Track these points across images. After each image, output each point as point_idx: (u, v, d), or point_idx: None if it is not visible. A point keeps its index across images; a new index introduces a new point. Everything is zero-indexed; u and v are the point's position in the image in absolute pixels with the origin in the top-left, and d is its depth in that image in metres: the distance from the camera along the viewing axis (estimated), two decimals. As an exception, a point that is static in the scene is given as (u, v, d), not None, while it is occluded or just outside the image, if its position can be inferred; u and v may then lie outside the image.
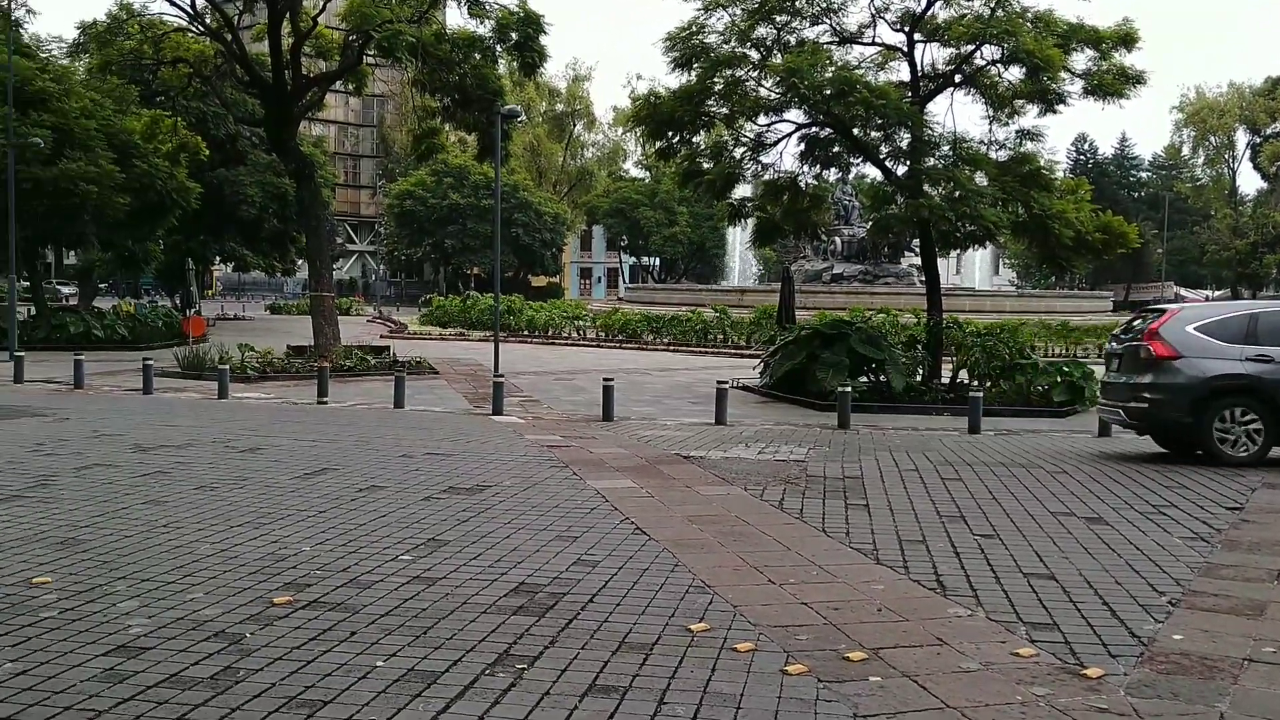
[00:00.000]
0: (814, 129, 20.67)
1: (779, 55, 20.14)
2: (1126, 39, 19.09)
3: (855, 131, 19.95)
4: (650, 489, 10.01)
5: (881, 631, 5.77)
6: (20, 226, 26.46)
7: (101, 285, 57.07)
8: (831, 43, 20.72)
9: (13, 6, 29.19)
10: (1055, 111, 19.60)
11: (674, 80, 22.10)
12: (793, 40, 20.42)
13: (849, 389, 16.22)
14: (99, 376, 20.59)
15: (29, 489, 9.24)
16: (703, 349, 34.71)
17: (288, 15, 24.63)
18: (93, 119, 28.77)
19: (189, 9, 25.24)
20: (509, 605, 6.14)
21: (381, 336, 37.76)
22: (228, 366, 19.20)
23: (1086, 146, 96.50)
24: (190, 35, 26.04)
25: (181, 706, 4.58)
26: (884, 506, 9.33)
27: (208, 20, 26.07)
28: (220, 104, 32.87)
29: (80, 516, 8.20)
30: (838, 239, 53.05)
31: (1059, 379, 18.83)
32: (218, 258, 55.99)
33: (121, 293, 63.88)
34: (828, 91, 18.57)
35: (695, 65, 20.45)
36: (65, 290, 57.79)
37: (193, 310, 32.26)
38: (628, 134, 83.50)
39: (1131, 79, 19.13)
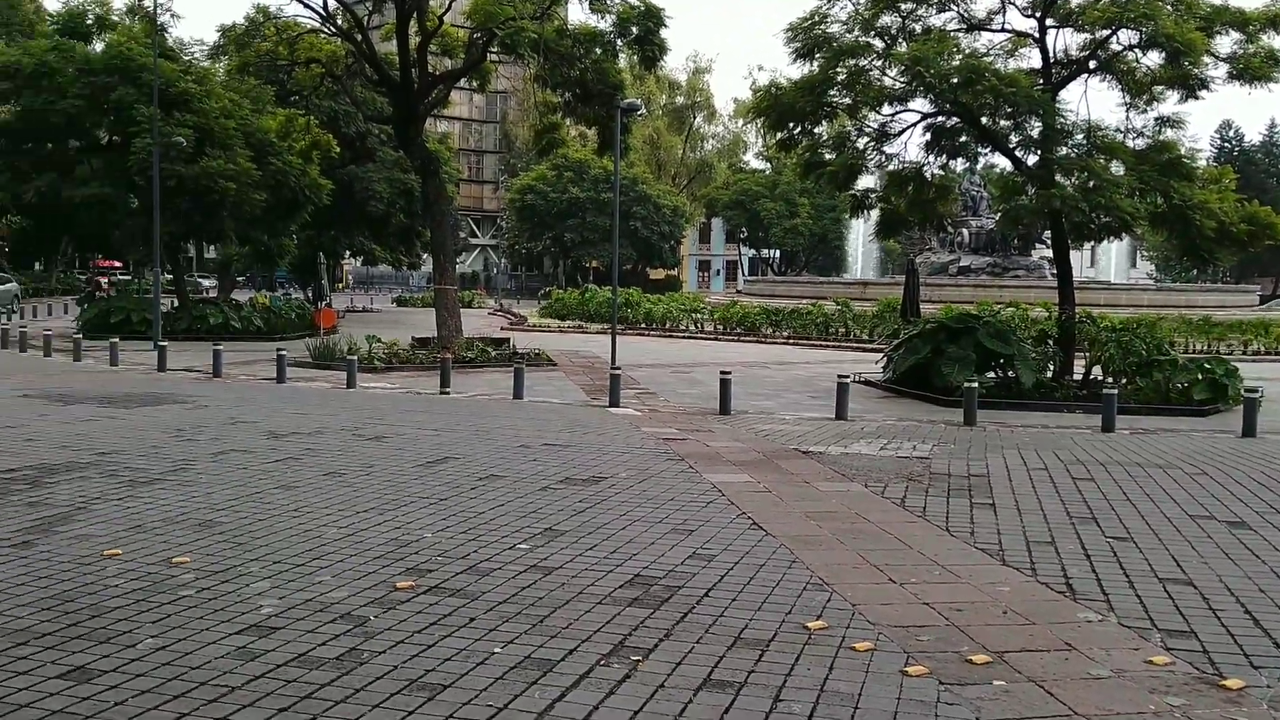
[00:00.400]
0: (940, 118, 20.18)
1: (904, 44, 19.72)
2: (1276, 21, 18.11)
3: (984, 120, 19.41)
4: (768, 484, 9.93)
5: (1006, 634, 5.60)
6: (164, 222, 27.65)
7: (239, 278, 59.26)
8: (959, 30, 20.20)
9: (158, 12, 30.46)
10: (1197, 97, 18.69)
11: (795, 71, 21.83)
12: (918, 28, 19.98)
13: (975, 384, 15.80)
14: (235, 366, 21.41)
15: (170, 473, 9.66)
16: (823, 342, 34.27)
17: (415, 15, 25.16)
18: (231, 118, 29.89)
19: (321, 10, 26.01)
20: (624, 596, 6.15)
21: (502, 329, 38.35)
22: (355, 357, 19.75)
23: (1232, 134, 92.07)
24: (322, 36, 26.82)
25: (308, 685, 4.72)
26: (1011, 506, 9.06)
27: (339, 21, 26.81)
28: (351, 102, 33.80)
29: (217, 499, 8.53)
30: (965, 230, 51.75)
31: (1200, 376, 18.01)
32: (347, 252, 57.63)
33: (258, 286, 66.28)
34: (955, 80, 18.10)
35: (817, 55, 20.16)
36: (206, 283, 60.17)
37: (324, 303, 33.32)
38: (748, 125, 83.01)
39: (1281, 61, 18.15)
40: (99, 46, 32.70)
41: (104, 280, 52.87)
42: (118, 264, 58.81)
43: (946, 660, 5.19)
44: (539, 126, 29.14)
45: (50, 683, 4.68)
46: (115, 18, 34.43)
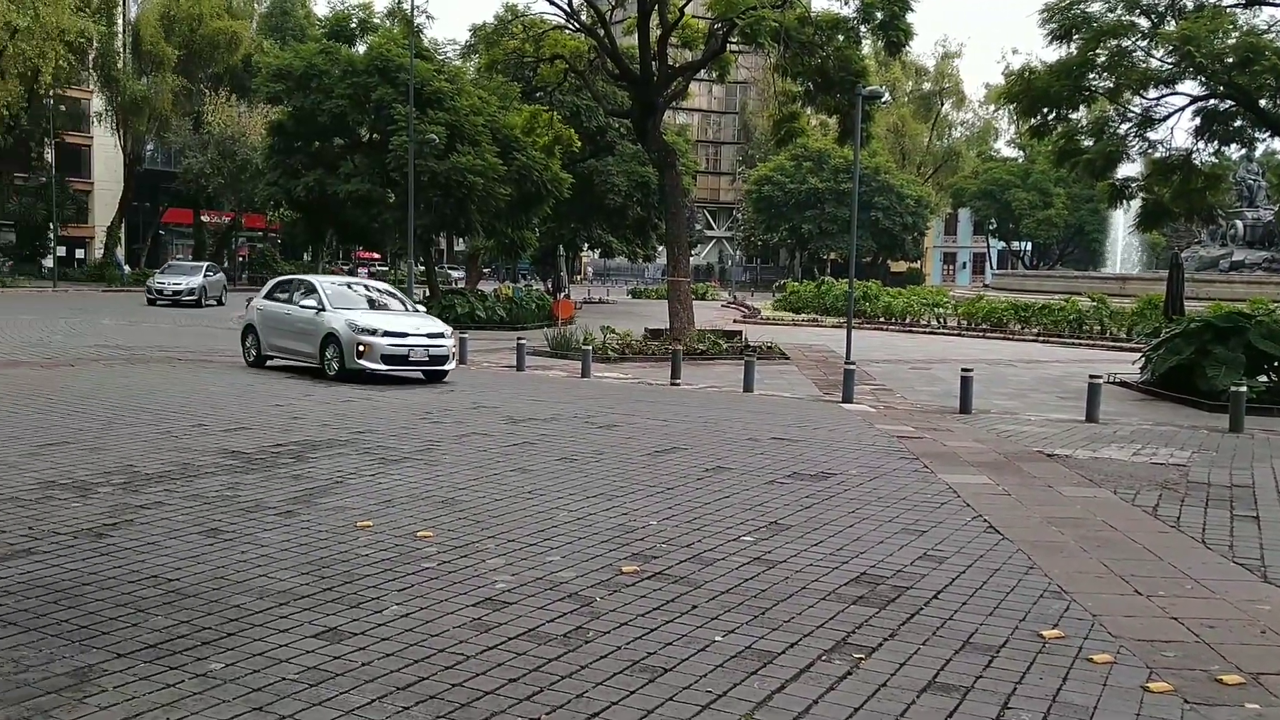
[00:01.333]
0: (1212, 101, 18.75)
1: (1172, 21, 18.42)
2: None
3: (1262, 103, 17.89)
4: (1007, 486, 9.52)
5: (1264, 655, 5.15)
6: (418, 215, 29.28)
7: (485, 270, 62.02)
8: (1235, 5, 18.68)
9: (414, 14, 32.23)
10: None
11: (1051, 54, 20.84)
12: (1189, 4, 18.61)
13: (1244, 388, 14.58)
14: (479, 354, 22.41)
15: (417, 452, 10.22)
16: (1076, 340, 32.51)
17: (656, 8, 25.54)
18: (480, 115, 31.29)
19: (566, 6, 26.81)
20: (849, 594, 6.05)
21: (734, 321, 38.45)
22: (590, 347, 20.28)
23: None
24: (566, 32, 27.64)
25: (537, 659, 4.89)
26: (1278, 520, 8.32)
27: (583, 17, 27.57)
28: (592, 97, 34.69)
29: (459, 479, 8.96)
30: (1239, 223, 47.78)
31: None
32: (586, 244, 59.27)
33: (501, 277, 69.20)
34: (1229, 60, 16.78)
35: (1075, 36, 19.14)
36: (455, 274, 63.27)
37: (562, 294, 34.40)
38: (999, 112, 79.87)
39: None
40: (361, 48, 34.93)
41: (364, 271, 56.47)
42: (376, 255, 62.66)
43: (1194, 679, 4.82)
44: (778, 116, 28.99)
45: (306, 640, 5.05)
46: (376, 20, 36.67)
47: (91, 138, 64.90)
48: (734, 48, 27.50)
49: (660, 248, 54.08)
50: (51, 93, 50.41)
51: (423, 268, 36.83)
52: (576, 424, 12.52)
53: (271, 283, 19.52)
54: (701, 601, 5.81)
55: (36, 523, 7.04)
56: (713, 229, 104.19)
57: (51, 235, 54.91)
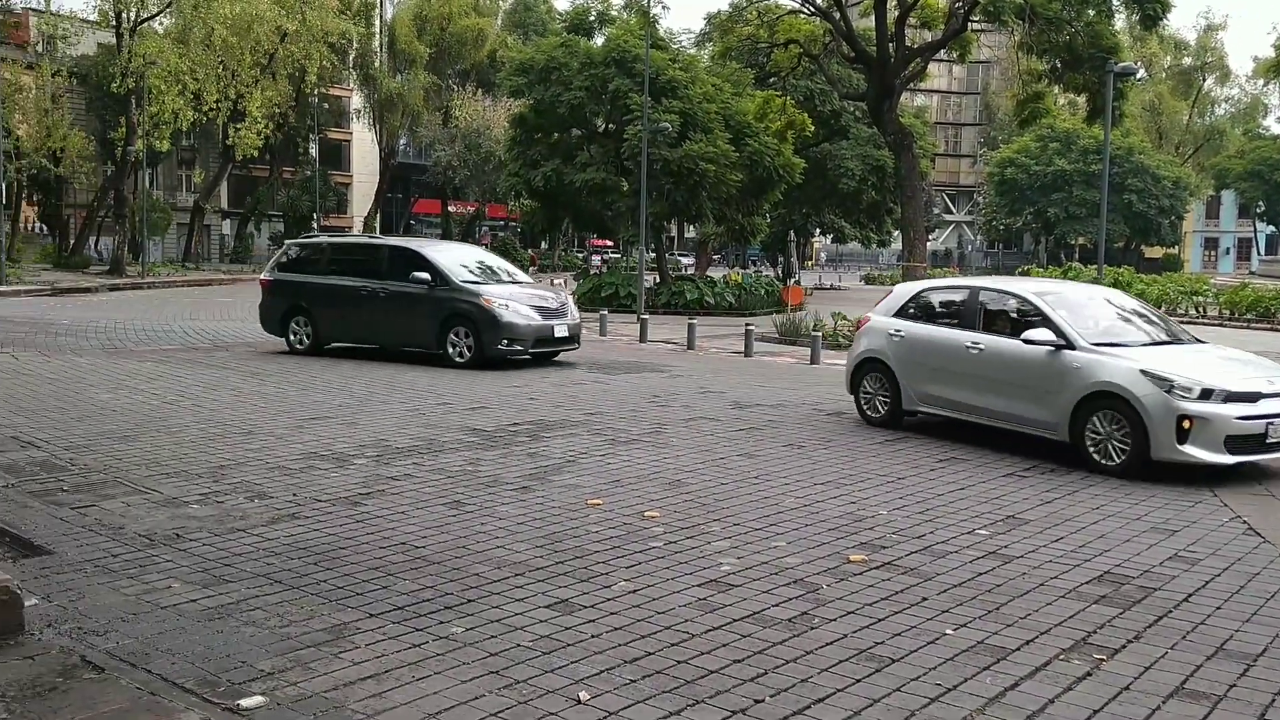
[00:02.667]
0: None
1: None
2: None
3: None
4: (1270, 487, 8.79)
5: None
6: (650, 203, 29.76)
7: (715, 256, 62.35)
8: None
9: (649, 4, 32.71)
10: None
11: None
12: None
13: None
14: (707, 339, 22.56)
15: (645, 435, 10.42)
16: (1355, 332, 29.60)
17: (893, -12, 24.97)
18: (713, 103, 31.43)
19: (801, -9, 26.58)
20: (1090, 593, 5.76)
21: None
22: (820, 334, 20.06)
23: None
24: (801, 16, 27.40)
25: (761, 642, 4.92)
26: None
27: (818, 1, 27.23)
28: (826, 81, 34.24)
29: (685, 462, 9.09)
30: None
31: None
32: (818, 230, 58.62)
33: (731, 263, 69.38)
34: None
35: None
36: (685, 260, 63.97)
37: (792, 280, 34.13)
38: (1269, 86, 73.58)
39: None
40: (599, 41, 35.76)
41: (598, 259, 57.91)
42: (609, 243, 64.12)
43: None
44: (1022, 96, 27.82)
45: (540, 610, 5.27)
46: (614, 13, 37.45)
47: (351, 133, 69.53)
48: (976, 26, 26.53)
49: (895, 232, 52.88)
50: (316, 91, 54.30)
51: (654, 254, 37.41)
52: (803, 410, 12.43)
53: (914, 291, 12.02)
54: (932, 594, 5.68)
55: (300, 490, 7.64)
56: (951, 213, 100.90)
57: (315, 226, 59.17)
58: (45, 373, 13.91)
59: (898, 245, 49.05)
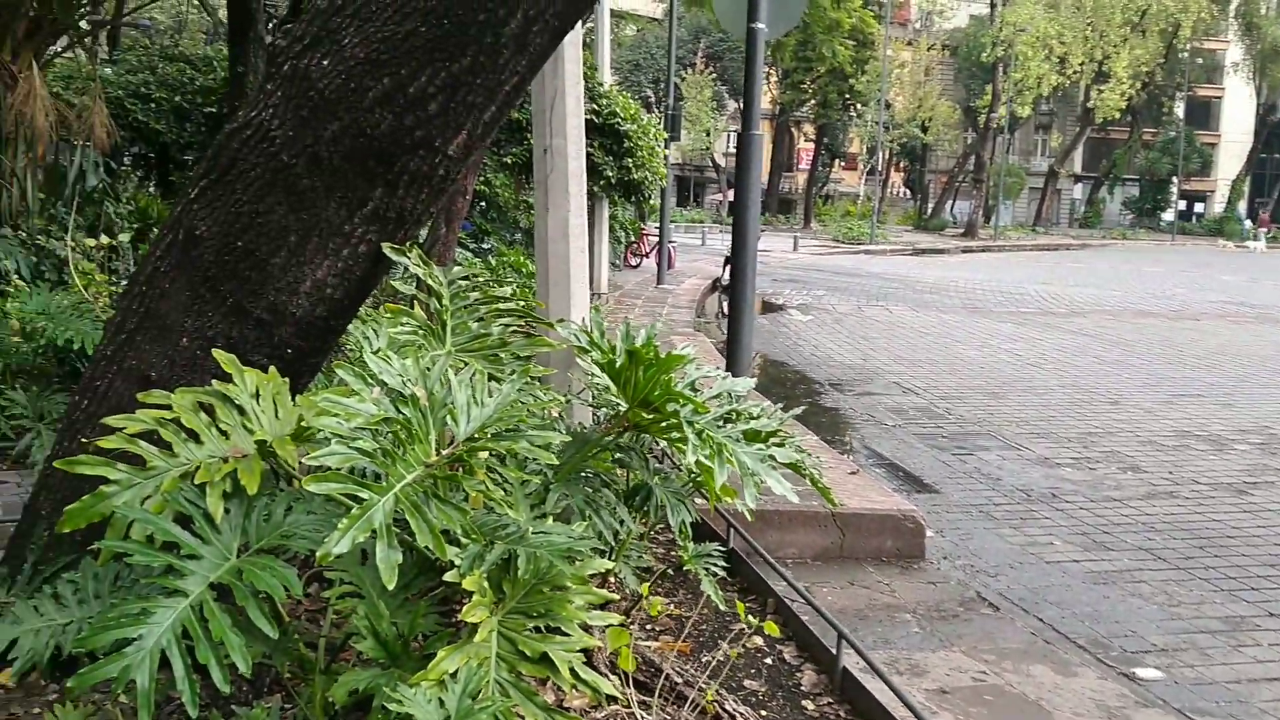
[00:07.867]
0: None
1: None
2: None
3: None
4: None
5: None
6: None
7: None
8: None
9: None
10: None
11: None
12: None
13: None
14: None
15: None
16: None
17: None
18: None
19: None
20: None
21: None
22: None
23: None
24: None
25: None
26: None
27: None
28: None
29: None
30: None
31: None
32: None
33: None
34: None
35: None
36: None
37: None
38: None
39: None
40: None
41: None
42: None
43: None
44: None
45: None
46: None
47: (1223, 89, 63.89)
48: None
49: None
50: (1189, 45, 50.86)
51: None
52: None
53: None
54: None
55: (1176, 469, 7.31)
56: None
57: (1174, 189, 55.89)
58: (916, 326, 15.21)
59: None
